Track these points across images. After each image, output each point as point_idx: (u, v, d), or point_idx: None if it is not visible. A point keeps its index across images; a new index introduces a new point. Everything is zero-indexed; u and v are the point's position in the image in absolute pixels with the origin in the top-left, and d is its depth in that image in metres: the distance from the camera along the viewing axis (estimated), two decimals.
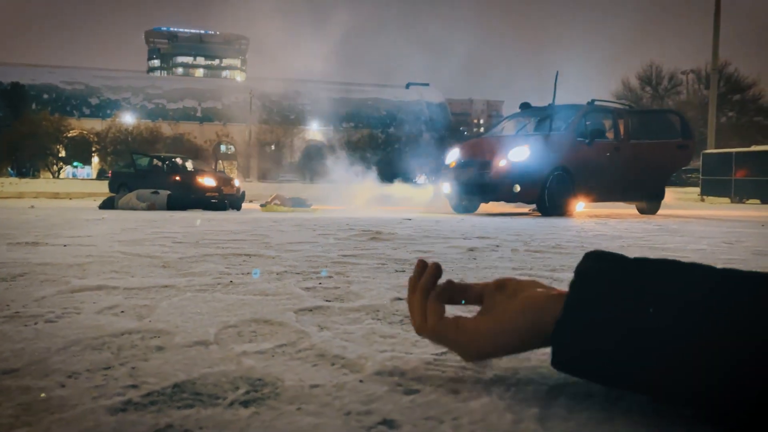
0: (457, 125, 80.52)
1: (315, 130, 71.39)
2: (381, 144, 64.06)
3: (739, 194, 22.64)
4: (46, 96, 66.35)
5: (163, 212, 6.33)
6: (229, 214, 6.25)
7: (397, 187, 14.37)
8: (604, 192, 6.95)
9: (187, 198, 7.04)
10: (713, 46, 26.08)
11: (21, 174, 50.40)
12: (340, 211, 7.21)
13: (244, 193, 14.63)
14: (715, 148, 25.26)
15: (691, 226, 4.89)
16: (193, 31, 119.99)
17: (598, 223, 5.33)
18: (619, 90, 51.19)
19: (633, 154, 7.18)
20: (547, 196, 6.32)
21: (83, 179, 42.83)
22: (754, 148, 24.27)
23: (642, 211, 7.64)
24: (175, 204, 6.75)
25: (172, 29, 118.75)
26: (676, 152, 7.54)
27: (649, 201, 7.61)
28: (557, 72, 6.74)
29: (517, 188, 6.28)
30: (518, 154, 6.43)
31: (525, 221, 5.64)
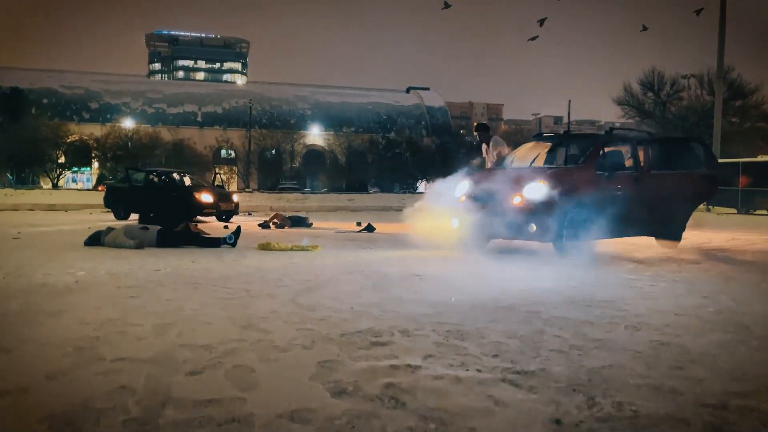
0: (458, 129, 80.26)
1: (315, 135, 71.11)
2: (382, 149, 63.75)
3: (746, 205, 22.34)
4: (45, 101, 66.06)
5: (151, 253, 6.00)
6: (219, 258, 5.93)
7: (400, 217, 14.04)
8: (623, 227, 6.61)
9: (178, 235, 6.69)
10: (718, 53, 25.79)
11: (20, 180, 50.11)
12: (341, 247, 6.87)
13: (237, 205, 14.34)
14: (720, 156, 24.95)
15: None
16: (193, 34, 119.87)
17: (633, 272, 5.00)
18: (621, 95, 50.84)
19: (654, 185, 6.84)
20: (565, 235, 5.99)
21: (80, 190, 42.49)
22: (760, 158, 23.98)
23: (663, 243, 7.30)
24: (165, 241, 6.41)
25: (173, 33, 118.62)
26: (700, 184, 7.20)
27: (671, 235, 7.27)
28: (569, 101, 6.40)
29: (533, 227, 5.94)
30: (534, 190, 6.09)
31: (546, 264, 5.31)
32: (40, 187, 47.36)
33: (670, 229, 7.38)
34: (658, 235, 7.43)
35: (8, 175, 49.49)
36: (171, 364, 1.99)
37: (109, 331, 2.45)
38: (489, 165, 7.89)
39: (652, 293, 3.71)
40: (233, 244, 6.68)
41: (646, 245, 7.30)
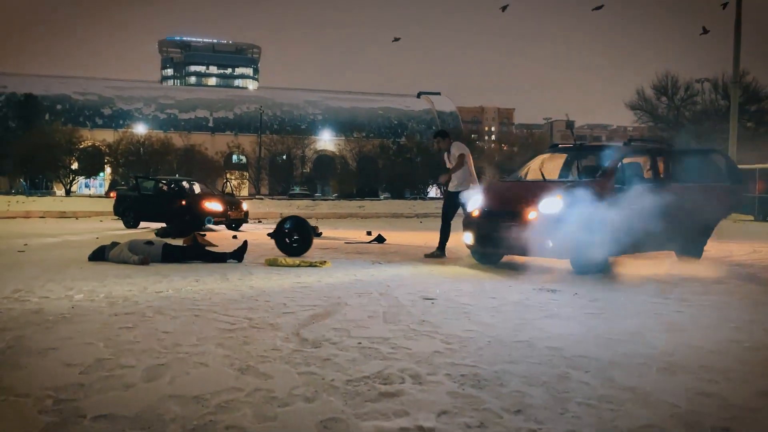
0: (469, 134, 79.93)
1: (326, 140, 71.18)
2: (392, 154, 63.59)
3: (763, 212, 21.88)
4: (59, 107, 66.76)
5: (155, 270, 5.84)
6: (224, 276, 5.76)
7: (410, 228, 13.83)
8: (643, 243, 6.36)
9: (183, 250, 6.52)
10: (734, 58, 25.34)
11: (34, 186, 50.57)
12: (351, 262, 6.68)
13: (247, 213, 14.19)
14: (737, 163, 24.48)
15: None
16: (206, 40, 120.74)
17: (657, 294, 4.76)
18: (634, 100, 50.29)
19: (674, 199, 6.57)
20: (583, 251, 5.74)
21: (91, 196, 42.75)
22: None
23: (683, 259, 7.03)
24: (170, 256, 6.25)
25: (185, 39, 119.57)
26: (722, 197, 6.92)
27: (692, 251, 7.01)
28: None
29: (550, 244, 5.70)
30: (551, 205, 5.85)
31: (563, 284, 5.09)
32: (53, 193, 47.81)
33: (691, 245, 7.11)
34: (679, 251, 7.16)
35: (21, 180, 49.99)
36: (157, 425, 1.79)
37: (96, 377, 2.26)
38: (451, 173, 7.25)
39: (679, 323, 3.46)
40: (239, 260, 6.51)
41: (666, 261, 7.03)
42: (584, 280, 5.32)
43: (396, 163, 61.79)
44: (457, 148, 7.35)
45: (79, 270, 5.66)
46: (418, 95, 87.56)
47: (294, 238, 7.25)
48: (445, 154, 7.47)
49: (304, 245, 7.19)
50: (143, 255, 6.15)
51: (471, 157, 7.40)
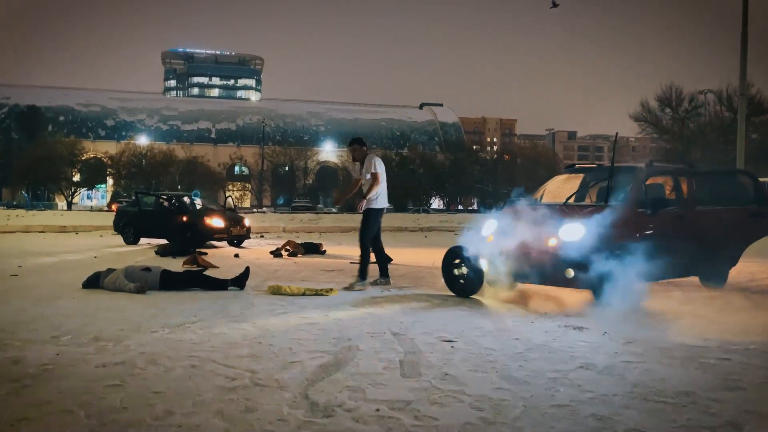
0: (471, 145, 79.72)
1: (328, 152, 71.02)
2: (395, 166, 63.37)
3: None
4: (62, 118, 66.85)
5: (151, 302, 5.51)
6: (224, 309, 5.43)
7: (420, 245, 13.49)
8: (668, 270, 6.00)
9: (182, 277, 6.19)
10: (740, 70, 25.07)
11: (36, 198, 50.42)
12: (358, 293, 6.32)
13: (249, 229, 13.82)
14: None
15: None
16: (209, 51, 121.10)
17: (695, 335, 4.41)
18: (638, 111, 50.06)
19: (700, 223, 6.23)
20: (606, 281, 5.39)
21: (91, 210, 42.53)
22: None
23: (707, 284, 6.67)
24: (168, 284, 5.91)
25: (188, 50, 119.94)
26: (749, 221, 6.57)
27: (717, 277, 6.65)
28: (616, 133, 5.80)
29: (571, 273, 5.34)
30: (571, 231, 5.49)
31: (591, 320, 4.74)
32: (55, 205, 47.60)
33: (716, 271, 6.75)
34: (703, 277, 6.80)
35: (23, 192, 49.83)
36: None
37: None
38: (363, 187, 6.52)
39: (732, 376, 3.10)
40: (241, 288, 6.17)
41: (689, 287, 6.67)
42: (609, 313, 4.96)
43: (399, 174, 61.57)
44: (372, 164, 6.44)
45: (71, 301, 5.32)
46: (421, 106, 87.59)
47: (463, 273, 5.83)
48: (357, 164, 6.64)
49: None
50: (140, 282, 5.82)
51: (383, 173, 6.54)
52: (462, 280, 6.02)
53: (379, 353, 3.50)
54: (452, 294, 5.99)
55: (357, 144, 6.60)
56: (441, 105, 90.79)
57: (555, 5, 12.22)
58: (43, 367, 3.12)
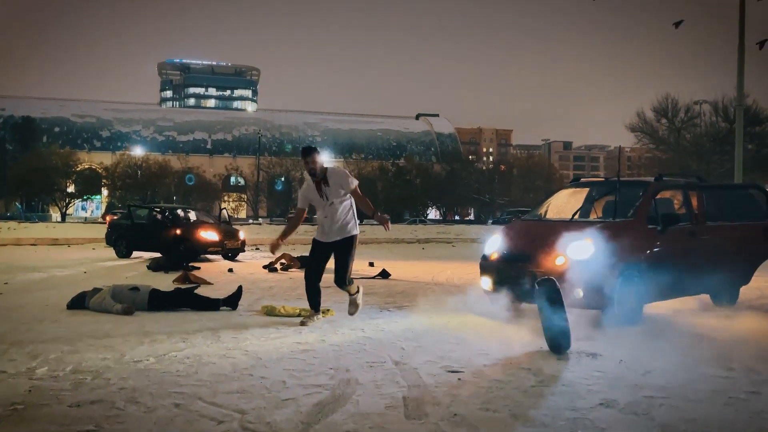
0: (467, 155, 79.70)
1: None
2: (391, 176, 63.26)
3: None
4: (57, 129, 66.51)
5: (139, 324, 5.23)
6: (215, 334, 5.15)
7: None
8: (679, 288, 5.77)
9: (171, 296, 5.91)
10: (738, 81, 25.04)
11: (30, 209, 50.00)
12: (357, 319, 6.02)
13: (244, 242, 13.51)
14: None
15: None
16: (205, 62, 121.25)
17: (714, 363, 4.15)
18: (634, 122, 50.12)
19: (711, 240, 5.99)
20: (617, 301, 5.14)
21: (87, 220, 42.17)
22: None
23: (719, 303, 6.44)
24: (157, 304, 5.63)
25: (184, 61, 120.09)
26: (762, 238, 6.34)
27: (728, 296, 6.42)
28: (620, 146, 5.59)
29: (580, 293, 5.10)
30: (579, 249, 5.24)
31: (604, 345, 4.49)
32: (49, 216, 47.17)
33: (728, 289, 6.51)
34: (715, 295, 6.56)
35: (17, 203, 49.40)
36: None
37: None
38: (331, 208, 5.07)
39: (765, 414, 2.84)
40: (233, 308, 5.89)
41: (701, 306, 6.43)
42: (621, 336, 4.70)
43: (395, 185, 61.42)
44: (349, 179, 5.14)
45: (53, 325, 5.03)
46: (417, 117, 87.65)
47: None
48: (321, 183, 5.05)
49: None
50: (127, 303, 5.53)
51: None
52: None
53: (380, 387, 3.23)
54: (453, 312, 5.74)
55: (315, 153, 5.08)
56: (437, 115, 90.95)
57: (678, 23, 12.30)
58: (12, 407, 2.84)
